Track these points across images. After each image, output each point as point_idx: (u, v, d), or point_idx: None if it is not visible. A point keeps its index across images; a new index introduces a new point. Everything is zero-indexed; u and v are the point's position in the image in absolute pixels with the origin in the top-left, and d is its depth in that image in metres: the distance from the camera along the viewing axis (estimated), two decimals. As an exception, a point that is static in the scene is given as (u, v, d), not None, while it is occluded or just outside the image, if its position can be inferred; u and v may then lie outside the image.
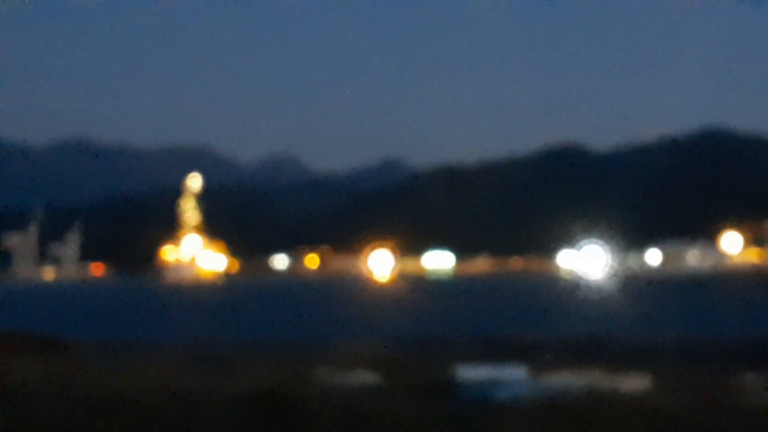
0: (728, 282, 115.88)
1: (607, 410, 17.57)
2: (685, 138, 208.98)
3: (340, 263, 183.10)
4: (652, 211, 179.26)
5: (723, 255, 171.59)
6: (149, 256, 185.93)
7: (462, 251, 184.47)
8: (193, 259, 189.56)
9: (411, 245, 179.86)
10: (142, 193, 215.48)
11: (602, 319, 52.50)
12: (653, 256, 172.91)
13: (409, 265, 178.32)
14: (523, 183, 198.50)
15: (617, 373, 21.59)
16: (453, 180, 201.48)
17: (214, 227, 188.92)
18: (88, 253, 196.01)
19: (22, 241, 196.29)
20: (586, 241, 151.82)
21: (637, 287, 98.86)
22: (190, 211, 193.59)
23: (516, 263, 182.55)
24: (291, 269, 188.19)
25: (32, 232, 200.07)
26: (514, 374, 21.75)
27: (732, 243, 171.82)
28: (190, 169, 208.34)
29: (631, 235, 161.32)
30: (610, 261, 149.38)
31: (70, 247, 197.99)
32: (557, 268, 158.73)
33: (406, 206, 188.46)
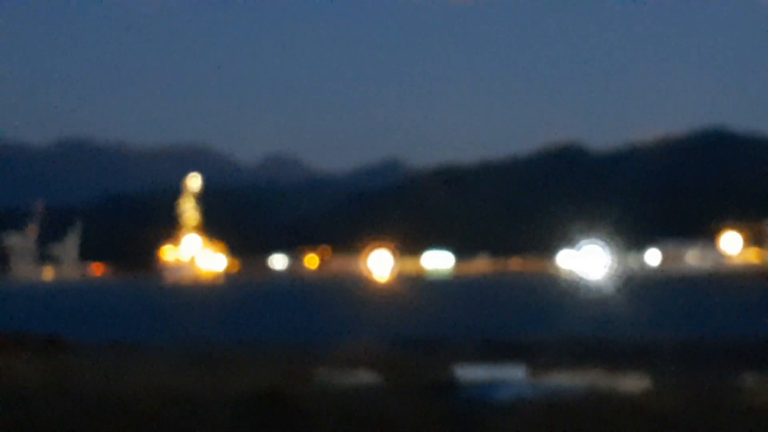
0: (728, 282, 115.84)
1: (607, 410, 17.57)
2: (684, 138, 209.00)
3: (340, 263, 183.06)
4: (651, 211, 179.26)
5: (722, 255, 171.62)
6: (149, 255, 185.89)
7: (462, 251, 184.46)
8: (192, 259, 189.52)
9: (411, 245, 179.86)
10: (141, 193, 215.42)
11: (602, 320, 52.50)
12: (653, 256, 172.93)
13: (409, 265, 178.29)
14: (523, 183, 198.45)
15: (617, 373, 21.59)
16: (453, 180, 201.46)
17: (213, 227, 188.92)
18: (87, 253, 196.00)
19: (21, 241, 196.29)
20: (586, 241, 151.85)
21: (636, 287, 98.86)
22: (189, 211, 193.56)
23: (516, 263, 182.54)
24: (290, 269, 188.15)
25: (32, 231, 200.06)
26: (513, 374, 21.75)
27: (731, 243, 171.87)
28: (189, 169, 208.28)
29: (630, 235, 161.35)
30: (609, 261, 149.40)
31: (69, 246, 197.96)
32: (557, 268, 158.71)
33: (406, 206, 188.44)
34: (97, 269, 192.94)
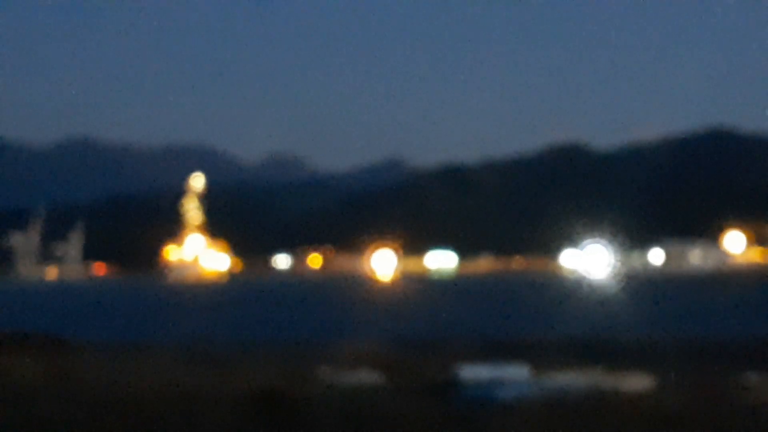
0: (731, 281, 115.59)
1: (610, 410, 17.54)
2: (688, 137, 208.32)
3: (343, 263, 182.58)
4: (654, 210, 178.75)
5: (726, 254, 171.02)
6: (152, 255, 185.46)
7: (465, 251, 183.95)
8: (196, 259, 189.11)
9: (413, 245, 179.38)
10: (144, 192, 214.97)
11: (605, 319, 52.42)
12: (656, 256, 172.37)
13: (412, 264, 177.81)
14: (526, 182, 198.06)
15: (620, 372, 21.56)
16: (455, 179, 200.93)
17: (216, 226, 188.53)
18: (90, 253, 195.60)
19: (24, 241, 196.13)
20: (589, 240, 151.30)
21: (639, 286, 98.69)
22: (192, 211, 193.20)
23: (519, 263, 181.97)
24: (293, 269, 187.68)
25: (35, 231, 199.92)
26: (516, 374, 21.71)
27: (735, 242, 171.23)
28: (192, 169, 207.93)
29: (634, 234, 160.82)
30: (612, 260, 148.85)
31: (72, 246, 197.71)
32: (560, 267, 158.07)
33: (409, 205, 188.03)
34: (100, 269, 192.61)
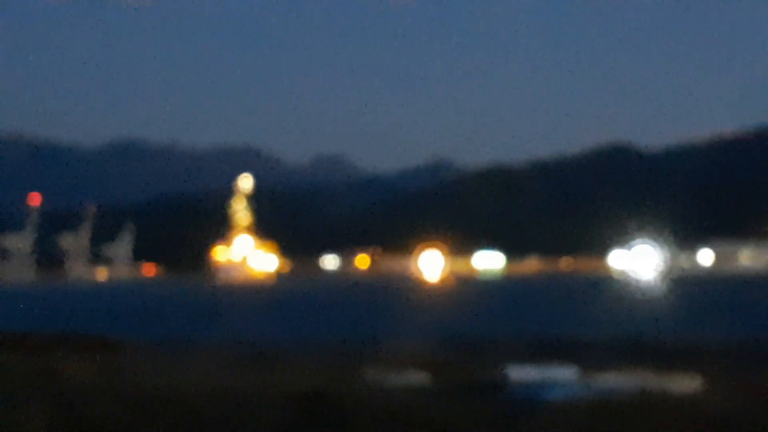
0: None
1: (658, 411, 17.50)
2: (736, 136, 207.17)
3: (391, 263, 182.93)
4: (703, 210, 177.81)
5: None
6: (201, 256, 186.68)
7: (512, 252, 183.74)
8: (244, 260, 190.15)
9: (461, 245, 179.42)
10: (193, 193, 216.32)
11: (653, 320, 52.17)
12: (705, 256, 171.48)
13: (460, 265, 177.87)
14: (573, 183, 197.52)
15: (668, 373, 21.47)
16: (502, 180, 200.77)
17: (264, 228, 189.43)
18: (140, 254, 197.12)
19: (75, 242, 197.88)
20: (638, 241, 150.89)
21: (688, 287, 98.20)
22: (241, 212, 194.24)
23: (566, 263, 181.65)
24: (341, 269, 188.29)
25: (85, 232, 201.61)
26: (564, 374, 21.68)
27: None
28: (240, 170, 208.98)
29: (682, 235, 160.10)
30: (661, 261, 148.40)
31: (122, 247, 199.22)
32: (608, 268, 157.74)
33: (456, 206, 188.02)
34: (149, 269, 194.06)
